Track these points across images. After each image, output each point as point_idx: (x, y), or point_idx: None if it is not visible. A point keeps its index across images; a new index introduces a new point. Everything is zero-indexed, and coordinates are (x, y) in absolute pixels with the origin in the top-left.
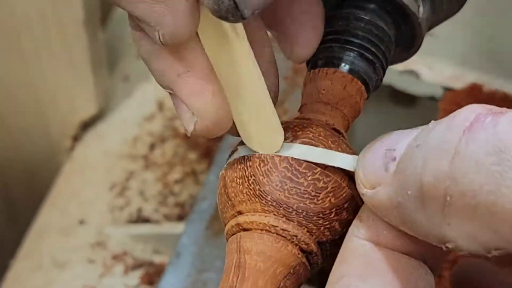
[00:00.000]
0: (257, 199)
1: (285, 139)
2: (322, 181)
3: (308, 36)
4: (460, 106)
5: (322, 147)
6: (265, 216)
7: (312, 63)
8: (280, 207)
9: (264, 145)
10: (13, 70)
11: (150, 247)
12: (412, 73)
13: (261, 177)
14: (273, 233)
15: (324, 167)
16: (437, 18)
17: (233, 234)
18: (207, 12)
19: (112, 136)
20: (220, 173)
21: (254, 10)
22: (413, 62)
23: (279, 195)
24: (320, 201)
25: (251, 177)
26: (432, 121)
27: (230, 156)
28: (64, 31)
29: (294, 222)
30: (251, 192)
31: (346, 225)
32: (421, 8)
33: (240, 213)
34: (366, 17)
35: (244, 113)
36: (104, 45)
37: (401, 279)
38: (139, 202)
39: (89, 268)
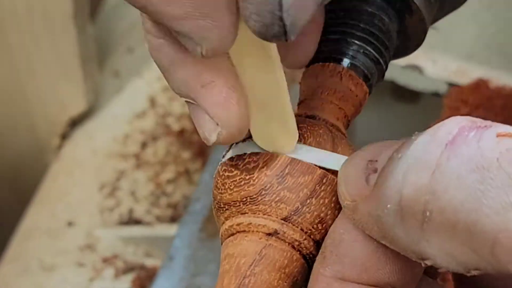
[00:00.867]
0: (254, 200)
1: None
2: (321, 182)
3: (306, 44)
4: (465, 102)
5: (329, 150)
6: (264, 218)
7: (325, 53)
8: (278, 208)
9: (277, 147)
10: None
11: (142, 250)
12: (415, 68)
13: (257, 177)
14: (300, 252)
15: (326, 169)
16: (441, 11)
17: (228, 237)
18: (242, 25)
19: (101, 134)
20: (215, 173)
21: (297, 34)
22: (417, 57)
23: (276, 195)
24: (317, 202)
25: (247, 176)
26: (416, 132)
27: (225, 154)
28: (51, 24)
29: (291, 224)
30: (248, 193)
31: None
32: (424, 0)
33: (236, 214)
34: (368, 9)
35: (265, 117)
36: (93, 39)
37: None
38: (130, 203)
39: (78, 272)
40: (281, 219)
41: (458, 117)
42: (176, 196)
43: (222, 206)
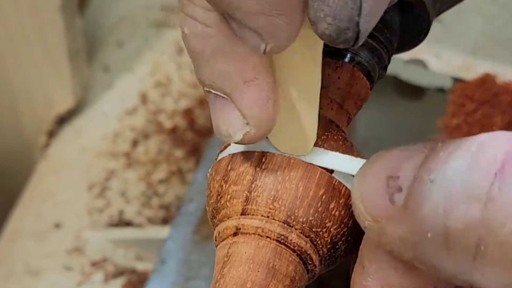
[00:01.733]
0: (249, 201)
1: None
2: (351, 208)
3: None
4: (471, 98)
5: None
6: (260, 220)
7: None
8: (275, 209)
9: (293, 149)
10: None
11: (133, 253)
12: (419, 63)
13: (254, 177)
14: (267, 237)
15: (331, 171)
16: (446, 3)
17: (223, 240)
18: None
19: (90, 132)
20: (209, 172)
21: (364, 40)
22: (420, 51)
23: (273, 196)
24: (342, 228)
25: (244, 176)
26: (440, 143)
27: (220, 153)
28: (38, 17)
29: (290, 226)
30: (244, 193)
31: (343, 229)
32: None
33: (231, 216)
34: None
35: (290, 118)
36: (82, 33)
37: None
38: (120, 203)
39: (65, 276)
40: (240, 215)
41: (499, 135)
42: (169, 196)
43: (219, 206)
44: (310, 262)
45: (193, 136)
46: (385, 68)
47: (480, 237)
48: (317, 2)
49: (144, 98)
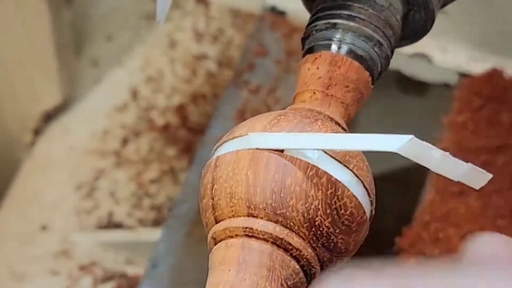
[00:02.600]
0: (215, 208)
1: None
2: (315, 179)
3: None
4: (478, 94)
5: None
6: (225, 222)
7: (308, 45)
8: (235, 205)
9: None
10: None
11: (123, 257)
12: (423, 57)
13: (212, 183)
14: (236, 235)
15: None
16: None
17: (216, 243)
18: None
19: (78, 129)
20: (203, 171)
21: None
22: (425, 44)
23: (230, 194)
24: (312, 202)
25: (207, 186)
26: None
27: (214, 151)
28: (23, 8)
29: (254, 217)
30: (210, 203)
31: (313, 202)
32: None
33: (209, 228)
34: None
35: None
36: (69, 25)
37: None
38: (109, 205)
39: (52, 281)
40: (215, 224)
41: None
42: (160, 197)
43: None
44: (290, 247)
45: (186, 133)
46: (388, 62)
47: None
48: None
49: (134, 94)
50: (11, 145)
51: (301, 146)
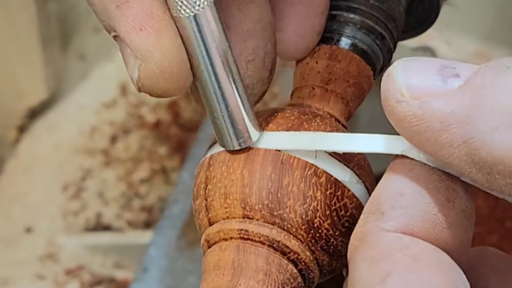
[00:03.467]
0: (208, 209)
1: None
2: (314, 178)
3: (300, 27)
4: None
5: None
6: (219, 223)
7: None
8: (229, 206)
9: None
10: None
11: (111, 260)
12: (428, 50)
13: (206, 183)
14: (230, 238)
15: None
16: None
17: (210, 246)
18: None
19: (65, 127)
20: (196, 171)
21: None
22: (429, 37)
23: (224, 194)
24: (310, 203)
25: (200, 186)
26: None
27: (208, 150)
28: (7, 0)
29: (250, 218)
30: (203, 204)
31: (312, 203)
32: None
33: (203, 230)
34: None
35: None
36: (55, 16)
37: (446, 274)
38: (97, 206)
39: (37, 286)
40: (208, 226)
41: None
42: (151, 198)
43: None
44: (288, 250)
45: (178, 131)
46: (390, 56)
47: None
48: None
49: (124, 89)
50: None
51: (298, 147)
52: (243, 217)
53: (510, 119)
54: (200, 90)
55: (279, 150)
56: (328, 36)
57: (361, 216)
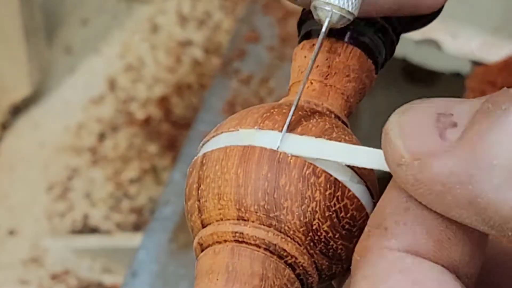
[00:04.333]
0: (201, 210)
1: (274, 129)
2: (312, 178)
3: None
4: (493, 84)
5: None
6: (213, 226)
7: (304, 29)
8: (223, 208)
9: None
10: None
11: (99, 264)
12: (432, 43)
13: (198, 183)
14: (224, 241)
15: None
16: None
17: (203, 249)
18: None
19: (50, 124)
20: (188, 170)
21: None
22: (433, 29)
23: (217, 195)
24: (309, 204)
25: (192, 186)
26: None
27: (201, 147)
28: None
29: (245, 220)
30: (196, 205)
31: (310, 204)
32: None
33: (195, 233)
34: None
35: None
36: (40, 8)
37: None
38: (84, 207)
39: None
40: (201, 229)
41: None
42: (141, 199)
43: (199, 210)
44: (285, 254)
45: (169, 128)
46: (393, 48)
47: None
48: None
49: (112, 84)
50: None
51: (298, 152)
52: (237, 219)
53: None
54: None
55: (278, 150)
56: (337, 30)
57: (365, 228)
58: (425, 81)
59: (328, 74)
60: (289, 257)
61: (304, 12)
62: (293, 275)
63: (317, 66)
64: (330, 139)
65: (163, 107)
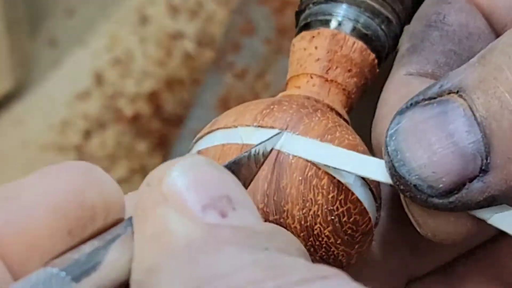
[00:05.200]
0: None
1: (275, 127)
2: (315, 180)
3: None
4: None
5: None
6: None
7: (303, 21)
8: (263, 216)
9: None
10: None
11: None
12: None
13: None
14: None
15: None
16: None
17: None
18: None
19: (33, 120)
20: None
21: None
22: None
23: (261, 200)
24: (310, 207)
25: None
26: None
27: (194, 144)
28: None
29: None
30: None
31: (312, 207)
32: None
33: None
34: None
35: None
36: None
37: None
38: None
39: None
40: None
41: None
42: None
43: None
44: None
45: (160, 125)
46: (397, 41)
47: None
48: None
49: (99, 79)
50: None
51: (300, 153)
52: None
53: None
54: None
55: (281, 150)
56: (328, 19)
57: None
58: None
59: (329, 68)
60: None
61: (303, 2)
62: None
63: (318, 60)
64: (333, 138)
65: (153, 103)
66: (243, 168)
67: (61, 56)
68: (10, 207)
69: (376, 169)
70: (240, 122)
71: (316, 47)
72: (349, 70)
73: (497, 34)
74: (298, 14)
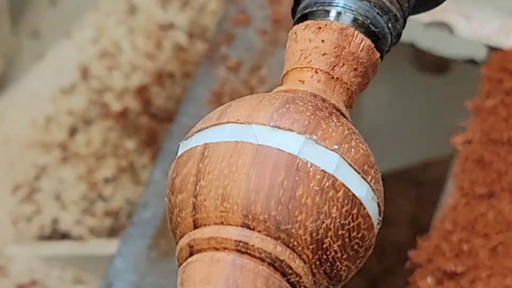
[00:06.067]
0: (197, 208)
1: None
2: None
3: None
4: (511, 72)
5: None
6: (212, 229)
7: (300, 12)
8: (227, 211)
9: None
10: None
11: (70, 274)
12: (444, 26)
13: (197, 177)
14: (224, 248)
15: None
16: None
17: (194, 253)
18: None
19: (16, 116)
20: (181, 158)
21: None
22: (445, 11)
23: (221, 195)
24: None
25: (187, 179)
26: None
27: (197, 132)
28: None
29: (251, 229)
30: (190, 200)
31: (325, 219)
32: None
33: (185, 232)
34: None
35: None
36: None
37: None
38: (54, 210)
39: None
40: (193, 229)
41: None
42: (117, 200)
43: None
44: (290, 272)
45: (149, 121)
46: (399, 32)
47: None
48: None
49: (85, 72)
50: None
51: (319, 163)
52: (242, 226)
53: None
54: None
55: (298, 155)
56: (339, 11)
57: None
58: (435, 69)
59: (335, 65)
60: (294, 276)
61: None
62: None
63: (324, 54)
64: (349, 148)
65: (142, 98)
66: None
67: (45, 49)
68: None
69: None
70: (254, 119)
71: (323, 40)
72: (355, 69)
73: None
74: (296, 4)
